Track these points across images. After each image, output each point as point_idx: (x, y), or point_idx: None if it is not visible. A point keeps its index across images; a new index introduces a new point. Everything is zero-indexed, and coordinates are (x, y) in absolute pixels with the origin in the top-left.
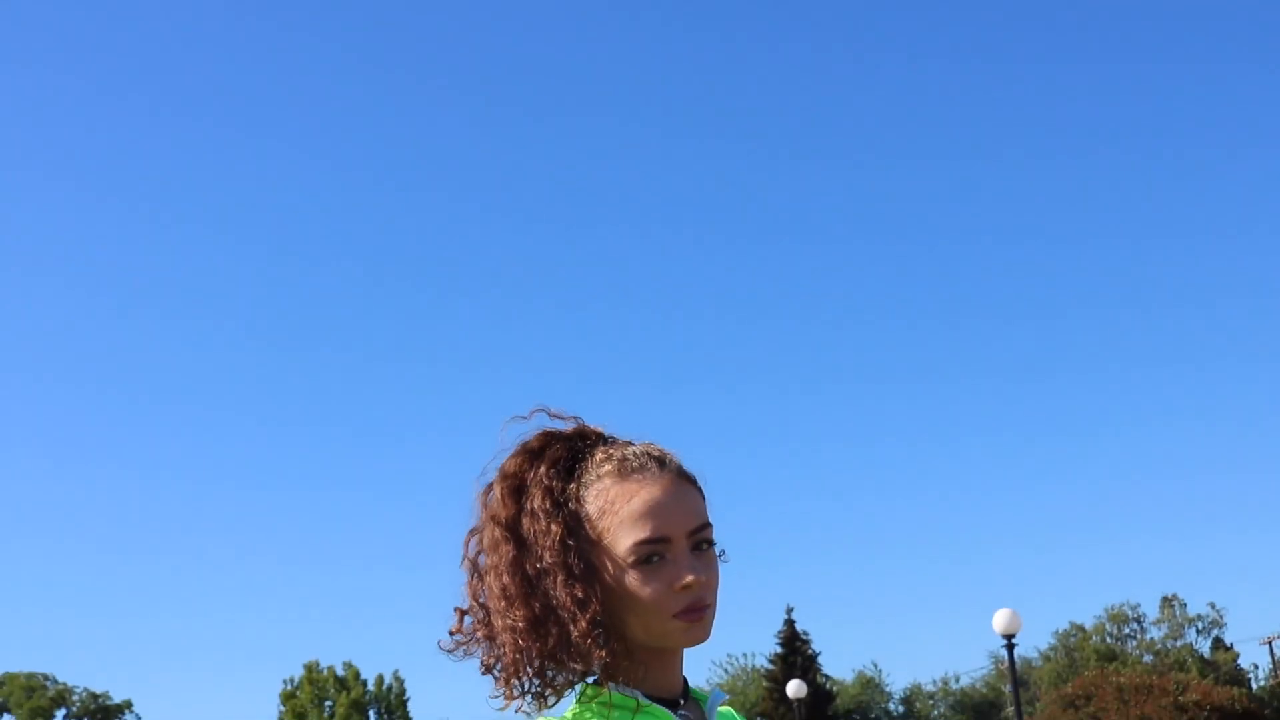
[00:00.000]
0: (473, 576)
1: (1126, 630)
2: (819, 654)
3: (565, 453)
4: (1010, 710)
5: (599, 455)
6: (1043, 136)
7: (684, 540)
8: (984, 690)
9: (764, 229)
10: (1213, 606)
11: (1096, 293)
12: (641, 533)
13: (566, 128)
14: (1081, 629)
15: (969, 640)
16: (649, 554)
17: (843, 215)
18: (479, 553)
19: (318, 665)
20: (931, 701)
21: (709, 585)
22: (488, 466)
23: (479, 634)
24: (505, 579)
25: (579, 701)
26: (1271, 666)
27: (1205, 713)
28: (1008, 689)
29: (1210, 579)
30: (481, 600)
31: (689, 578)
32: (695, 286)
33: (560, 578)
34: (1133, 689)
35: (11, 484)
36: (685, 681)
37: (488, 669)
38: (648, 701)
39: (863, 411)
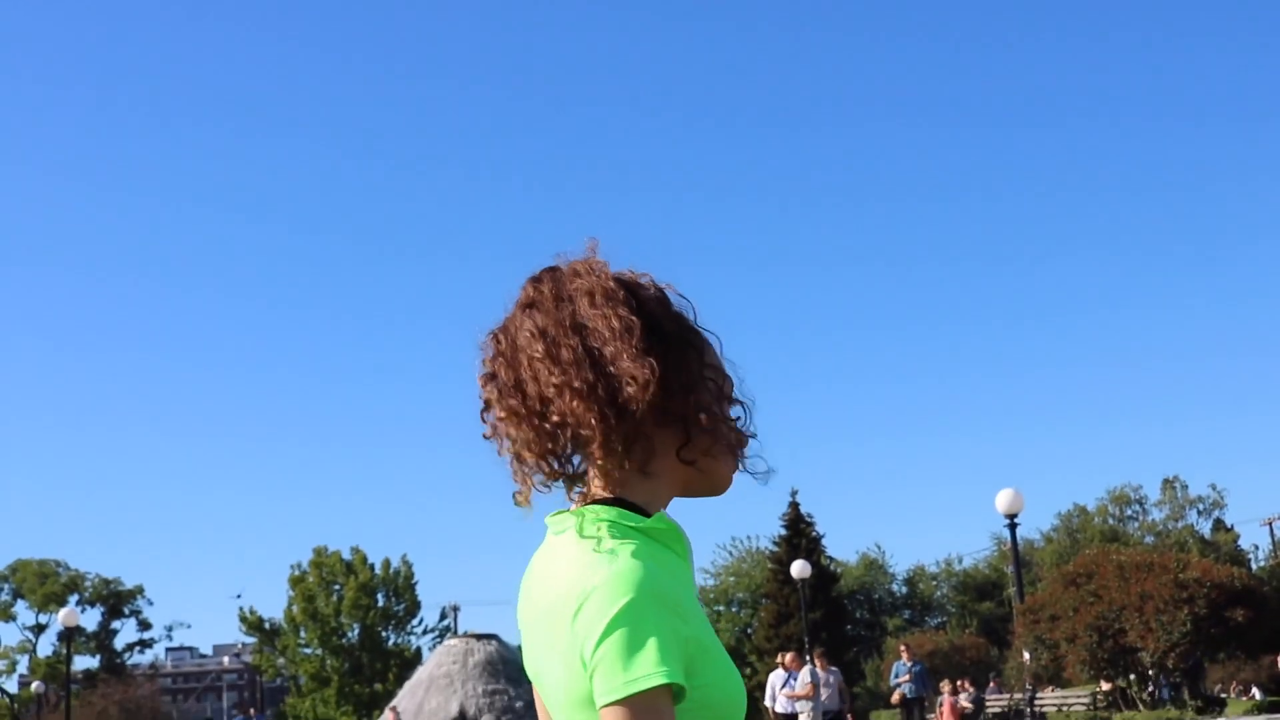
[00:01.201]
0: (543, 342)
1: (1128, 511)
2: (823, 536)
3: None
4: (1012, 590)
5: (672, 296)
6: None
7: None
8: (986, 571)
9: (785, 111)
10: (1214, 488)
11: (1101, 175)
12: (732, 378)
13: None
14: (1084, 510)
15: (972, 522)
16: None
17: (844, 98)
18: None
19: (326, 550)
20: (935, 582)
21: None
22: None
23: (520, 412)
24: (573, 350)
25: (608, 523)
26: (1271, 547)
27: (1205, 589)
28: (1010, 569)
29: (1212, 461)
30: (532, 369)
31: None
32: (697, 163)
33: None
34: (1133, 566)
35: (20, 375)
36: None
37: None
38: (682, 532)
39: (866, 294)
